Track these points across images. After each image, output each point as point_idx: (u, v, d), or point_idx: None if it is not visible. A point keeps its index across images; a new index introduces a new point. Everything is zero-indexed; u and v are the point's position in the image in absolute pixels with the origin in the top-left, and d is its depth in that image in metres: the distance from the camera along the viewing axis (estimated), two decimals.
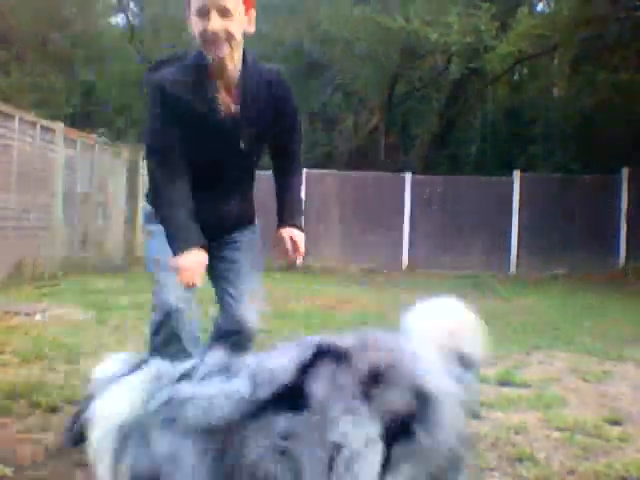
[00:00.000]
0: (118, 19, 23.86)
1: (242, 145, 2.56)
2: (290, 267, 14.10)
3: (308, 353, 1.64)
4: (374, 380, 1.58)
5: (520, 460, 2.97)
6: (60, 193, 10.57)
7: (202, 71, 2.44)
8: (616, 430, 3.48)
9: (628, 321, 7.61)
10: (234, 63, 2.46)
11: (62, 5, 19.99)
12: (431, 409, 1.59)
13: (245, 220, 2.87)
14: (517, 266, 14.38)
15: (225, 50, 2.37)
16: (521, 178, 14.67)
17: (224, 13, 2.33)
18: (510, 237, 14.58)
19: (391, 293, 9.71)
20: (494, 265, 14.05)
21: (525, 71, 20.98)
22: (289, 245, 2.68)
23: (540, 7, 20.34)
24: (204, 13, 2.34)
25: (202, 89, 2.45)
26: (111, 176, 12.55)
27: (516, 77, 21.24)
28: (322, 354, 1.63)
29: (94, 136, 12.63)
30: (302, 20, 18.13)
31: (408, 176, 14.93)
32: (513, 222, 14.58)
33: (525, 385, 4.41)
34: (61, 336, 5.31)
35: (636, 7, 13.35)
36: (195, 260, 2.46)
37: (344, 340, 1.69)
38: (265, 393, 1.58)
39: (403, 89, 19.24)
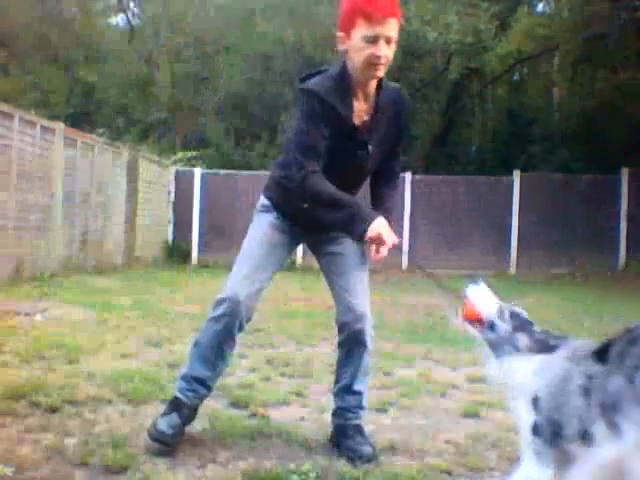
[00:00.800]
0: (118, 19, 23.91)
1: (370, 149, 2.86)
2: (290, 267, 14.11)
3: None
4: None
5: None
6: (60, 193, 10.56)
7: (347, 81, 2.79)
8: None
9: (628, 321, 7.59)
10: (375, 84, 2.84)
11: (62, 5, 19.99)
12: None
13: None
14: (517, 266, 14.39)
15: (383, 73, 2.77)
16: (521, 178, 14.68)
17: (389, 41, 2.71)
18: (510, 237, 14.59)
19: (391, 293, 9.71)
20: (494, 265, 14.05)
21: (525, 71, 20.99)
22: (373, 248, 2.89)
23: (540, 7, 20.34)
24: (375, 41, 2.67)
25: (346, 96, 2.79)
26: (111, 176, 12.55)
27: (516, 77, 21.25)
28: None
29: (94, 136, 12.63)
30: (302, 20, 18.13)
31: (408, 176, 14.93)
32: (513, 222, 14.59)
33: None
34: (61, 336, 5.30)
35: (636, 7, 13.34)
36: (385, 224, 2.73)
37: None
38: None
39: (403, 89, 19.17)
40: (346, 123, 2.78)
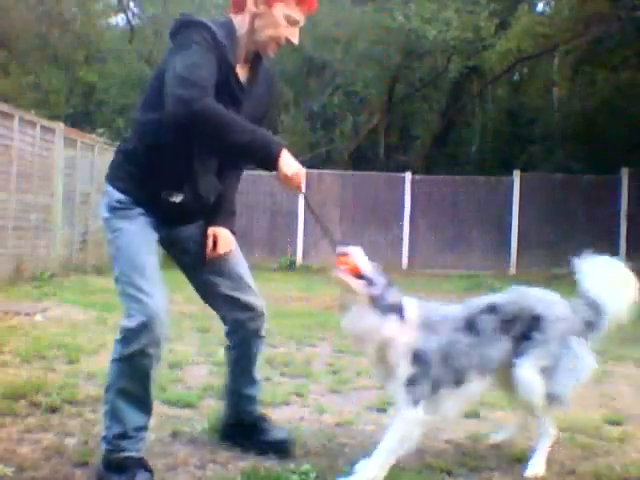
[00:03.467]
0: (118, 19, 23.88)
1: (243, 108, 2.61)
2: (290, 267, 14.11)
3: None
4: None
5: (520, 460, 2.97)
6: (60, 193, 10.56)
7: (233, 39, 2.59)
8: (616, 430, 3.48)
9: (628, 321, 7.60)
10: None
11: (62, 5, 19.99)
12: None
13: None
14: (517, 266, 14.39)
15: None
16: (521, 178, 14.68)
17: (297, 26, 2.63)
18: (510, 237, 14.58)
19: None
20: (494, 265, 14.05)
21: (525, 71, 20.99)
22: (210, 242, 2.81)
23: (540, 7, 20.34)
24: (294, 25, 2.61)
25: (233, 48, 2.57)
26: None
27: (516, 77, 21.25)
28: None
29: (94, 136, 12.63)
30: None
31: (408, 176, 14.94)
32: (513, 222, 14.59)
33: None
34: (61, 336, 5.31)
35: (636, 7, 13.34)
36: (295, 163, 2.47)
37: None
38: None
39: (403, 89, 19.23)
40: (231, 73, 2.56)
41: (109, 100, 19.96)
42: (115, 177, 2.69)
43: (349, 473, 2.62)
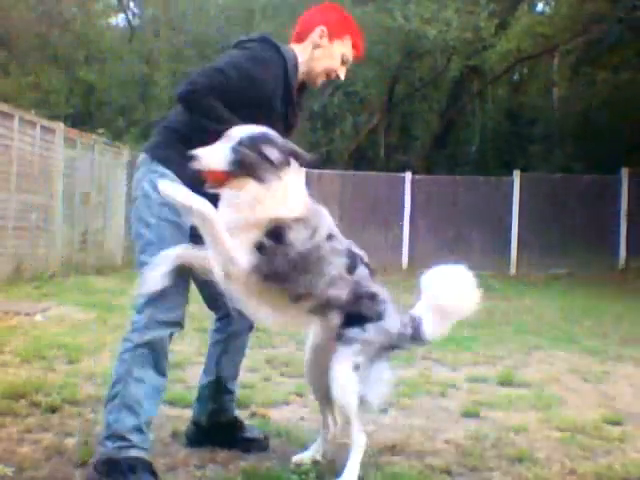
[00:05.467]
0: (118, 19, 23.89)
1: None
2: None
3: None
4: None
5: (520, 460, 2.97)
6: (60, 193, 10.56)
7: (297, 65, 2.80)
8: (616, 430, 3.48)
9: (628, 321, 7.62)
10: None
11: (62, 5, 19.98)
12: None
13: None
14: (517, 266, 14.38)
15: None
16: (521, 178, 14.67)
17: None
18: (510, 237, 14.58)
19: (391, 293, 9.69)
20: (494, 265, 14.04)
21: (525, 71, 20.99)
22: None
23: (540, 7, 20.34)
24: (344, 63, 2.86)
25: (295, 74, 2.79)
26: (111, 176, 12.55)
27: (516, 77, 21.25)
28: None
29: (94, 136, 12.62)
30: None
31: (408, 176, 14.93)
32: (513, 222, 14.58)
33: (525, 385, 4.41)
34: (61, 336, 5.30)
35: (636, 7, 13.35)
36: None
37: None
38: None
39: (403, 89, 19.23)
40: (290, 96, 2.76)
41: (109, 100, 19.96)
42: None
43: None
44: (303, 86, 2.91)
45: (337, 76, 2.86)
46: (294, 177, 2.47)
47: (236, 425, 3.03)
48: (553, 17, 17.25)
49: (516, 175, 14.69)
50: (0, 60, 18.61)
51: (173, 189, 2.37)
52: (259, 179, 2.36)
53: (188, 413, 3.47)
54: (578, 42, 16.13)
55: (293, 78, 2.76)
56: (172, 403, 3.58)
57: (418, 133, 19.49)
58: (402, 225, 14.83)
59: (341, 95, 18.84)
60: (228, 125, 2.46)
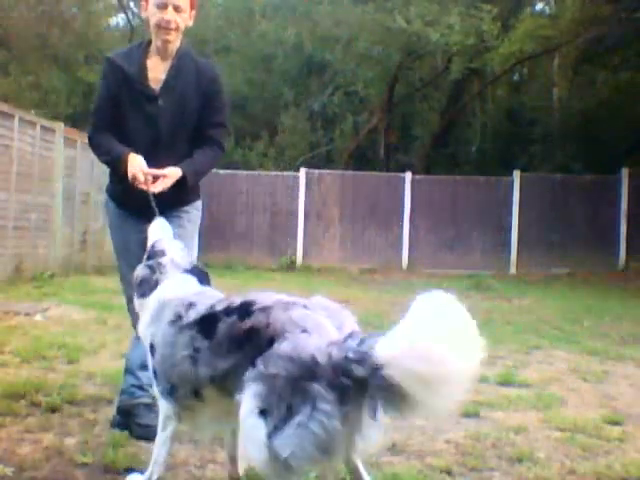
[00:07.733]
0: (118, 19, 23.87)
1: (160, 103, 3.08)
2: (290, 267, 14.10)
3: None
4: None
5: (520, 460, 2.97)
6: (60, 193, 10.57)
7: (144, 45, 3.17)
8: (616, 430, 3.48)
9: (628, 321, 7.62)
10: (172, 48, 3.13)
11: (62, 5, 19.98)
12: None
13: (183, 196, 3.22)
14: (517, 266, 14.39)
15: (172, 36, 3.08)
16: (521, 178, 14.68)
17: (177, 9, 3.05)
18: (510, 237, 14.58)
19: (391, 293, 9.71)
20: (494, 265, 14.05)
21: (525, 71, 20.98)
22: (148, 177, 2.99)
23: (539, 7, 20.32)
24: (163, 7, 3.03)
25: (140, 57, 3.13)
26: None
27: (516, 77, 21.23)
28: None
29: None
30: (302, 20, 18.12)
31: (408, 176, 14.93)
32: (513, 222, 14.58)
33: (525, 385, 4.41)
34: (61, 336, 5.30)
35: (637, 7, 13.34)
36: (137, 162, 2.96)
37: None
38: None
39: (403, 89, 19.22)
40: (134, 79, 3.09)
41: None
42: None
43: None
44: (180, 53, 3.14)
45: (166, 21, 3.03)
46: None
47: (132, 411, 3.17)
48: (555, 18, 17.22)
49: (516, 175, 14.70)
50: (0, 60, 18.61)
51: None
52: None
53: None
54: (578, 42, 16.11)
55: (130, 69, 3.08)
56: None
57: (418, 133, 19.47)
58: (402, 225, 14.80)
59: (341, 95, 18.84)
60: (113, 154, 3.03)
